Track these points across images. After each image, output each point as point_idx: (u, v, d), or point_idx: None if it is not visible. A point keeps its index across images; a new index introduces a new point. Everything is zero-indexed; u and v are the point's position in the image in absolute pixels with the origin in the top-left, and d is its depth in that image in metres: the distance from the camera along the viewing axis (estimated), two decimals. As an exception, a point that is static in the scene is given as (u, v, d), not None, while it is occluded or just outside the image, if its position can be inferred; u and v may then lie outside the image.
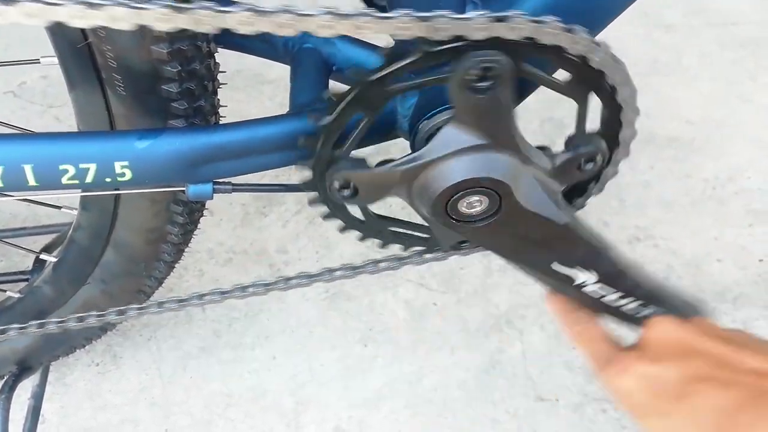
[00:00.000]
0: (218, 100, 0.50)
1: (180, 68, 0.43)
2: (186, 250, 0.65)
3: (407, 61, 0.39)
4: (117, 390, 0.93)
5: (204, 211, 0.62)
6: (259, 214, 1.12)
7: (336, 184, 0.44)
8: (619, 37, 1.45)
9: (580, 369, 0.95)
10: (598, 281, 0.49)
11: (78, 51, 0.43)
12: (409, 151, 0.46)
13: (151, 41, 0.41)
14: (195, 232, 0.62)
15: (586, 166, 0.45)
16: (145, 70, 0.42)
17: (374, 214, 0.49)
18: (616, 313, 0.51)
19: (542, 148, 0.45)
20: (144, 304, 0.56)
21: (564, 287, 0.50)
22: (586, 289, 0.49)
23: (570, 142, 0.46)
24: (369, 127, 0.43)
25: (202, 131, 0.43)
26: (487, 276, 1.06)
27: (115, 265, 0.62)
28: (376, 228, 0.50)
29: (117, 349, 0.98)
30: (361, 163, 0.44)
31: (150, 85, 0.43)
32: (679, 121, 1.27)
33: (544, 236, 0.47)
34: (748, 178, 1.19)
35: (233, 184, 0.48)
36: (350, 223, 0.49)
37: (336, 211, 0.48)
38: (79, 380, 0.94)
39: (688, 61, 1.38)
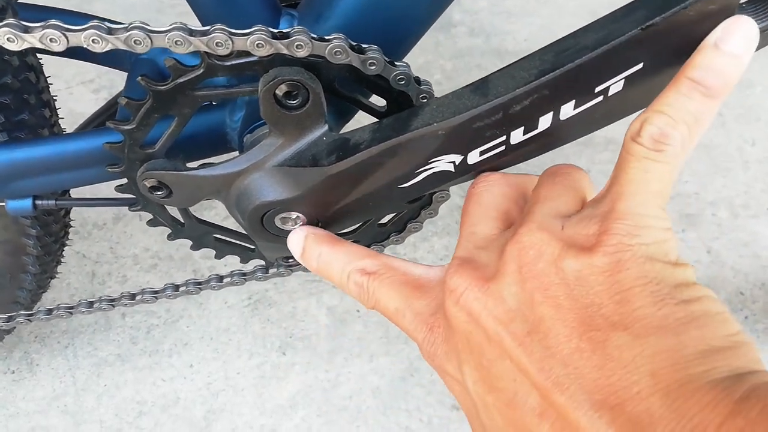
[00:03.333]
0: (52, 112, 0.49)
1: (-15, 83, 0.42)
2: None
3: (193, 75, 0.38)
4: (30, 397, 0.93)
5: (69, 223, 0.61)
6: (188, 219, 1.12)
7: (147, 184, 0.42)
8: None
9: (498, 376, 0.94)
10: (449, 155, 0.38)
11: None
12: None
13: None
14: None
15: None
16: (-54, 85, 0.41)
17: (196, 218, 0.49)
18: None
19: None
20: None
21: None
22: (445, 167, 0.38)
23: None
24: (185, 134, 0.42)
25: (2, 147, 0.42)
26: (413, 282, 1.05)
27: (-18, 276, 0.61)
28: (198, 234, 0.49)
29: (34, 356, 0.97)
30: (176, 164, 0.43)
31: (-43, 100, 0.42)
32: (618, 122, 1.26)
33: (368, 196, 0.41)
34: (685, 183, 1.18)
35: (58, 198, 0.47)
36: (174, 229, 0.48)
37: (157, 215, 0.47)
38: (-7, 388, 0.94)
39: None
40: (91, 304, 0.57)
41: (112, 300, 0.57)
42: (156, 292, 0.53)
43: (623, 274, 0.26)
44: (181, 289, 0.54)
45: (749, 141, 1.26)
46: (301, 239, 0.41)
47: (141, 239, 1.09)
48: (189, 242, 0.52)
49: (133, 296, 0.53)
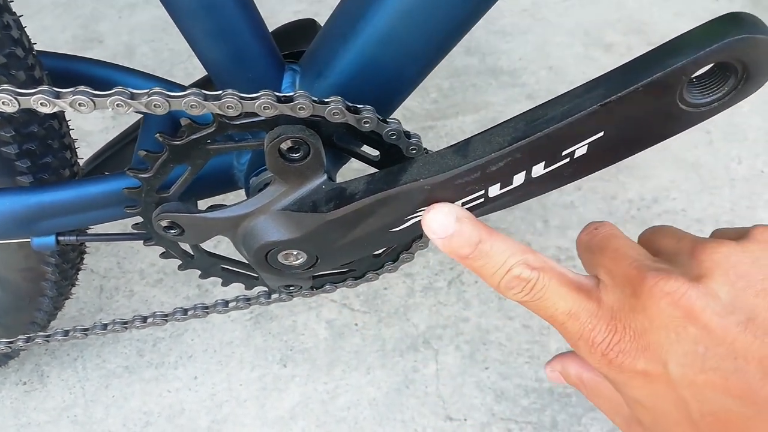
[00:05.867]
0: (72, 153, 0.53)
1: (15, 132, 0.46)
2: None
3: (206, 132, 0.42)
4: (42, 408, 0.97)
5: (85, 250, 0.65)
6: (192, 234, 1.16)
7: (162, 224, 0.47)
8: (558, 55, 1.49)
9: (490, 389, 0.98)
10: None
11: None
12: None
13: (-21, 110, 0.44)
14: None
15: None
16: (-21, 135, 0.45)
17: (205, 251, 0.53)
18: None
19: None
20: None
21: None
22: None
23: None
24: (195, 176, 0.46)
25: (31, 191, 0.46)
26: (409, 296, 1.09)
27: (3, 300, 0.65)
28: (207, 265, 0.54)
29: (45, 368, 1.01)
30: (189, 207, 0.47)
31: (-12, 148, 0.47)
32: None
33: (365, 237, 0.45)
34: (673, 200, 1.22)
35: (78, 234, 0.51)
36: (185, 261, 0.53)
37: (169, 249, 0.51)
38: (6, 399, 0.98)
39: (624, 82, 1.41)
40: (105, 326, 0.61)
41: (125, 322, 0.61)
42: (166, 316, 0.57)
43: None
44: (189, 312, 0.58)
45: (736, 159, 1.30)
46: (453, 220, 0.37)
47: (147, 254, 1.13)
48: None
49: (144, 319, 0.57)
